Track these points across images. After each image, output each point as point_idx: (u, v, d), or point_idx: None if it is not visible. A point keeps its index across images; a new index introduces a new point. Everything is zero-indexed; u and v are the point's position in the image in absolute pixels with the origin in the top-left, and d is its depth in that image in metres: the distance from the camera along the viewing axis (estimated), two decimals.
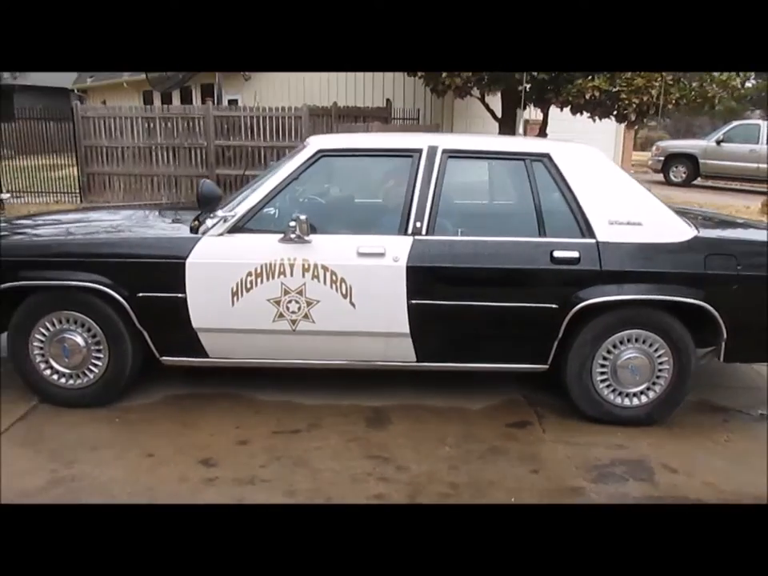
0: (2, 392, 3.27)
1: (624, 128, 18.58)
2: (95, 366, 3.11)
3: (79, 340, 3.07)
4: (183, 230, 3.15)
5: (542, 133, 10.75)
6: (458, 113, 12.64)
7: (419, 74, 10.22)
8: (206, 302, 2.98)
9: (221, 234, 2.99)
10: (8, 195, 9.07)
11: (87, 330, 3.07)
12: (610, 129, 15.45)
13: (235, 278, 2.96)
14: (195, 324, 3.01)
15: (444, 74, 8.76)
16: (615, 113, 9.87)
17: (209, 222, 3.06)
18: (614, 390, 3.13)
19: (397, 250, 2.96)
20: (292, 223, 2.89)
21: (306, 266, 2.94)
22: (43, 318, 3.07)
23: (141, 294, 2.98)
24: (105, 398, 3.16)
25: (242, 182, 4.81)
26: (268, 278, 2.95)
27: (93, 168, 10.53)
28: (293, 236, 2.92)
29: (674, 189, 13.60)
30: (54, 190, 11.07)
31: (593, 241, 3.00)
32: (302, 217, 2.88)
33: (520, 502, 2.50)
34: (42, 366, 3.12)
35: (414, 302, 2.96)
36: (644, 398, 3.14)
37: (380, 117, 11.31)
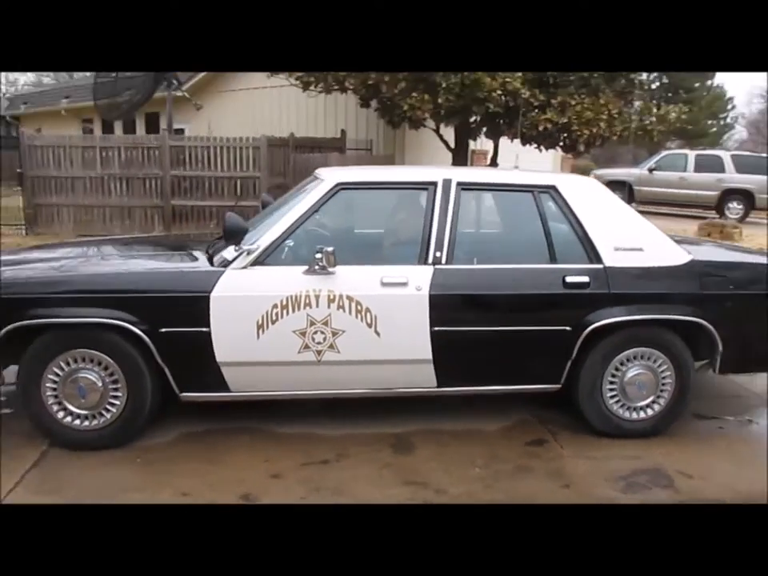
0: (3, 440, 3.15)
1: (560, 157, 19.53)
2: (113, 405, 3.04)
3: (95, 379, 3.00)
4: (203, 263, 3.15)
5: (494, 162, 11.14)
6: (409, 143, 12.95)
7: (374, 105, 10.48)
8: (231, 335, 2.98)
9: (244, 267, 3.01)
10: None
11: (104, 368, 3.01)
12: (548, 158, 16.25)
13: (261, 311, 2.97)
14: (219, 358, 2.99)
15: (405, 107, 9.01)
16: (562, 143, 10.39)
17: (227, 255, 3.07)
18: (622, 405, 3.30)
19: (419, 279, 3.05)
20: (318, 255, 2.95)
21: (332, 297, 2.99)
22: (56, 357, 2.98)
23: (163, 330, 2.94)
24: (122, 438, 3.08)
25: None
26: (294, 310, 2.98)
27: (40, 199, 10.20)
28: (318, 267, 2.97)
29: None
30: None
31: (600, 266, 3.18)
32: (329, 249, 2.93)
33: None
34: (55, 407, 3.02)
35: (436, 328, 3.05)
36: (650, 411, 3.32)
37: (335, 147, 11.46)
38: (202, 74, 14.03)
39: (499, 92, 8.91)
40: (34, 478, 2.83)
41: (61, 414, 3.03)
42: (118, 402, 3.03)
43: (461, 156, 11.19)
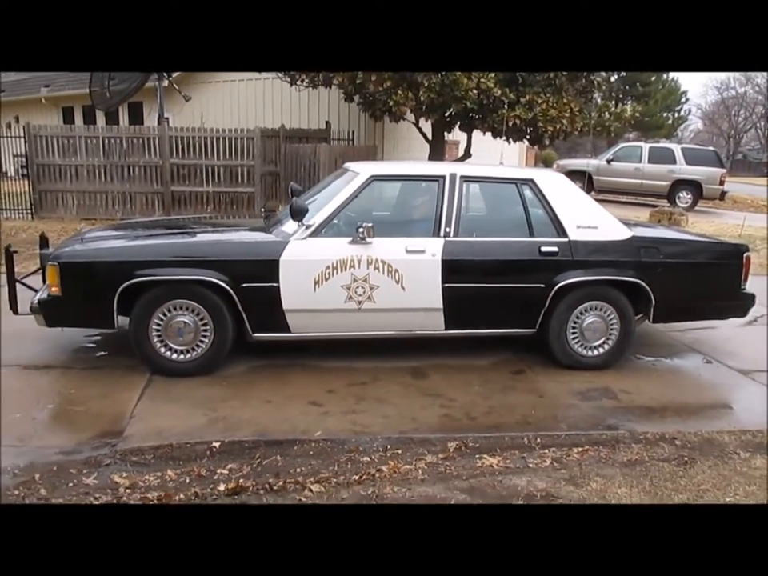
0: (110, 373, 4.09)
1: (526, 147, 20.76)
2: (202, 342, 4.01)
3: (190, 322, 3.96)
4: (269, 235, 4.14)
5: (467, 153, 12.20)
6: (387, 134, 13.93)
7: (357, 99, 11.42)
8: (295, 289, 3.97)
9: (304, 239, 4.00)
10: None
11: (197, 314, 3.97)
12: (514, 148, 17.47)
13: (317, 271, 3.97)
14: (285, 306, 3.99)
15: (391, 103, 9.98)
16: (528, 137, 11.51)
17: (287, 229, 4.07)
18: (581, 345, 4.40)
19: (433, 248, 4.09)
20: (360, 229, 3.95)
21: (370, 260, 4.01)
22: (160, 306, 3.93)
23: (244, 285, 3.92)
24: (210, 368, 4.05)
25: (261, 215, 5.71)
26: (342, 270, 3.99)
27: (45, 185, 10.90)
28: (359, 238, 3.98)
29: None
30: (2, 207, 11.22)
31: (566, 239, 4.26)
32: (369, 224, 3.95)
33: (537, 423, 3.60)
34: (158, 345, 3.98)
35: (446, 285, 4.10)
36: (601, 350, 4.43)
37: (321, 138, 12.36)
38: None
39: (474, 91, 9.96)
40: (153, 393, 3.79)
41: (163, 350, 3.99)
42: (206, 340, 4.01)
43: (437, 146, 12.22)
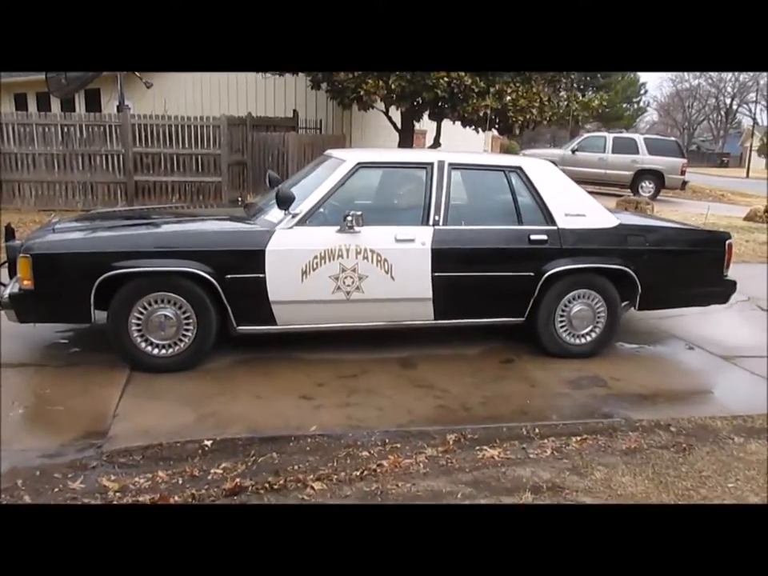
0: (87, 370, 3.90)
1: (492, 137, 20.84)
2: (185, 336, 3.85)
3: (172, 315, 3.80)
4: (253, 225, 4.00)
5: (437, 142, 12.14)
6: (355, 123, 13.78)
7: (325, 87, 11.25)
8: (281, 280, 3.85)
9: (290, 228, 3.87)
10: None
11: (179, 307, 3.81)
12: (480, 137, 17.54)
13: (305, 261, 3.85)
14: (272, 298, 3.86)
15: (361, 92, 9.84)
16: (497, 126, 11.52)
17: (272, 218, 3.93)
18: (569, 333, 4.39)
19: (423, 236, 4.01)
20: (348, 217, 3.84)
21: (358, 250, 3.90)
22: (141, 299, 3.76)
23: (229, 276, 3.77)
24: (192, 363, 3.90)
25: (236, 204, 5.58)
26: (330, 260, 3.87)
27: (0, 175, 10.42)
28: (347, 227, 3.87)
29: None
30: None
31: (555, 227, 4.23)
32: (358, 213, 3.84)
33: (533, 413, 3.56)
34: (139, 339, 3.80)
35: (436, 274, 4.02)
36: (589, 338, 4.42)
37: (288, 126, 12.15)
38: None
39: (445, 79, 9.89)
40: (135, 390, 3.62)
41: (144, 345, 3.81)
42: (189, 334, 3.85)
43: (407, 136, 12.14)
